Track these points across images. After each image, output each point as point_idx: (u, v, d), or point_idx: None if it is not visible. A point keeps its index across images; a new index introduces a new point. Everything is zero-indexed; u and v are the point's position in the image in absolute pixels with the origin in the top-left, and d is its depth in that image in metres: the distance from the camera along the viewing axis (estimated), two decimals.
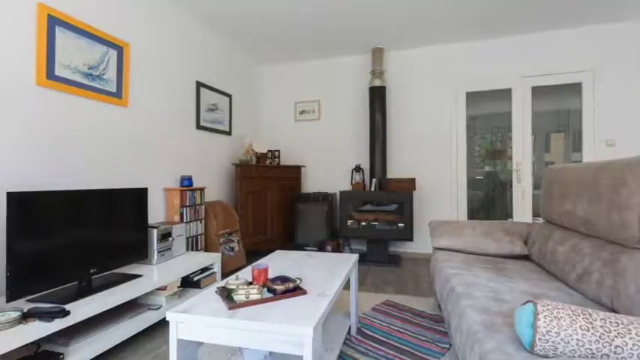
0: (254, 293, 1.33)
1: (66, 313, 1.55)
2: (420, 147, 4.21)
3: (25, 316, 1.52)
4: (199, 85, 3.49)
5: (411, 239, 3.69)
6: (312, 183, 4.67)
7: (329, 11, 3.28)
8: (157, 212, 2.89)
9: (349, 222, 3.94)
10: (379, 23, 3.54)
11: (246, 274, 1.74)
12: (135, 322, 1.93)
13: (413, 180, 3.75)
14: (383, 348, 1.89)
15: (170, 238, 2.58)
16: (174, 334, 1.26)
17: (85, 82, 2.28)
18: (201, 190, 3.16)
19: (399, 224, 3.74)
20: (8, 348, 1.32)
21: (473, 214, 4.09)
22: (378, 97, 4.05)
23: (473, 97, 4.07)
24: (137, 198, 2.32)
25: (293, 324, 1.14)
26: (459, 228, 2.39)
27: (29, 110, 1.96)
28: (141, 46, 2.76)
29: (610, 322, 0.90)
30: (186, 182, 3.07)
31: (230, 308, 1.26)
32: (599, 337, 0.88)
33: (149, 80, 2.85)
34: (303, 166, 4.62)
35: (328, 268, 1.85)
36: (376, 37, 3.88)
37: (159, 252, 2.46)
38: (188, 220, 2.98)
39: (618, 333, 0.88)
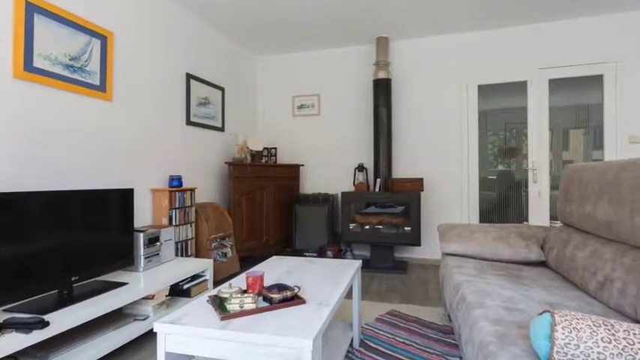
0: (249, 302, 1.33)
1: (45, 324, 1.55)
2: (428, 144, 4.21)
3: (1, 327, 1.51)
4: (189, 77, 3.49)
5: (418, 244, 3.69)
6: (312, 183, 4.67)
7: None
8: (143, 215, 2.89)
9: (351, 225, 3.94)
10: (384, 10, 3.54)
11: (240, 281, 1.74)
12: (120, 334, 1.93)
13: (420, 180, 3.75)
14: None
15: (158, 243, 2.57)
16: (162, 346, 1.26)
17: (66, 74, 2.28)
18: (192, 190, 3.16)
19: (406, 228, 3.74)
20: None
21: (485, 216, 4.09)
22: (382, 90, 4.05)
23: (485, 91, 4.07)
24: (122, 199, 2.32)
25: (291, 335, 1.14)
26: (470, 232, 2.39)
27: (5, 105, 1.96)
28: (126, 35, 2.76)
29: (634, 333, 0.90)
30: (176, 182, 3.07)
31: (223, 319, 1.27)
32: (622, 349, 0.88)
33: (135, 72, 2.84)
34: (302, 165, 4.62)
35: (329, 275, 1.85)
36: (380, 25, 3.88)
37: (146, 258, 2.45)
38: (177, 223, 2.97)
39: None
